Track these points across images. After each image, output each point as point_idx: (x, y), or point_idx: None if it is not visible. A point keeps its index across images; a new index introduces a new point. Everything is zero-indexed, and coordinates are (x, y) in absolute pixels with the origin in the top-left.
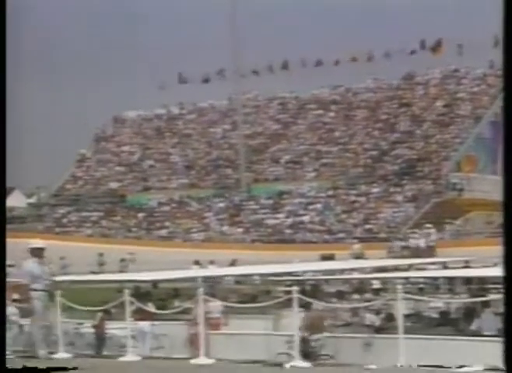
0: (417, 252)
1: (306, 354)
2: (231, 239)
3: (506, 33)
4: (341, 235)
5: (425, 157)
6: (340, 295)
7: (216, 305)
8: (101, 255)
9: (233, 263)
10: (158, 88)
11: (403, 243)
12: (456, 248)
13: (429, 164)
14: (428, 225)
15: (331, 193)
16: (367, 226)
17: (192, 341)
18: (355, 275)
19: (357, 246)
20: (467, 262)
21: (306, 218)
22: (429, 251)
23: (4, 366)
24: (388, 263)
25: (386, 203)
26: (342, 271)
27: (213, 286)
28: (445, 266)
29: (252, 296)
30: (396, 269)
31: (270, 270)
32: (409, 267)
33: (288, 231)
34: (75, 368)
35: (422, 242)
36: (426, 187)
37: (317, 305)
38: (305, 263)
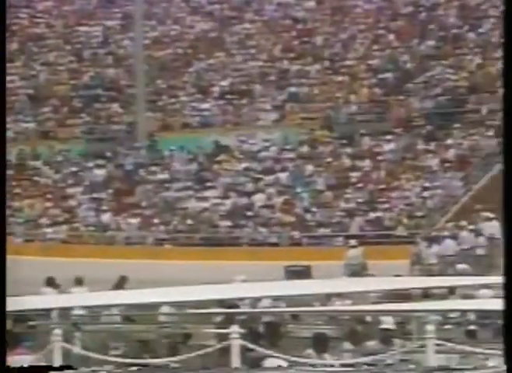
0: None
1: None
2: (118, 239)
3: (506, 33)
4: (324, 230)
5: (482, 85)
6: (321, 343)
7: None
8: None
9: (120, 284)
10: None
11: (439, 247)
12: None
13: (490, 98)
14: (487, 214)
15: (306, 150)
16: (374, 214)
17: None
18: (350, 306)
19: (354, 252)
20: None
21: (258, 199)
22: (487, 261)
23: (4, 365)
24: (412, 285)
25: (409, 172)
26: (326, 299)
27: (81, 325)
28: None
29: (156, 345)
30: (426, 295)
31: (190, 297)
32: (451, 292)
33: (225, 223)
34: (76, 368)
35: (474, 245)
36: (483, 142)
37: (276, 360)
38: (256, 284)
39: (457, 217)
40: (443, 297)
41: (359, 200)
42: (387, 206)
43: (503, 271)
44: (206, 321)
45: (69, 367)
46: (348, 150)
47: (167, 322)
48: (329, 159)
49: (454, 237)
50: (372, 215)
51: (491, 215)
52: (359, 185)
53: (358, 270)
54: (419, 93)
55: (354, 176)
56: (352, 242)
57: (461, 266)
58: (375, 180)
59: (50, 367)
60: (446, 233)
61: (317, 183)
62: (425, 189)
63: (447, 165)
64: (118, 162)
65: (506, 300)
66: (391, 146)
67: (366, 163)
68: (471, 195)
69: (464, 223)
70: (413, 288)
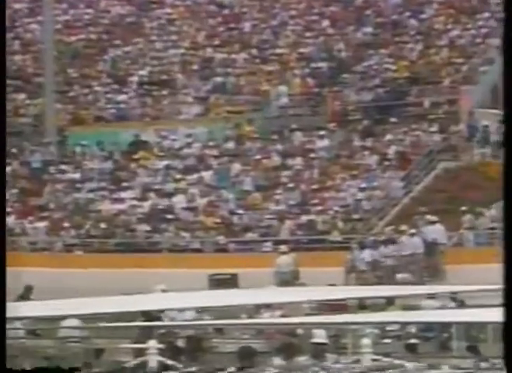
0: (406, 272)
1: None
2: (23, 244)
3: (505, 33)
4: (252, 234)
5: (425, 75)
6: (247, 358)
7: None
8: None
9: (25, 294)
10: None
11: (377, 253)
12: (488, 264)
13: (433, 90)
14: (430, 217)
15: (232, 147)
16: (306, 217)
17: None
18: (280, 319)
19: (285, 259)
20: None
21: (180, 200)
22: (430, 269)
23: (4, 366)
24: (347, 295)
25: (345, 171)
26: (254, 310)
27: None
28: (462, 301)
29: (64, 362)
30: (362, 306)
31: (104, 309)
32: (389, 303)
33: (143, 227)
34: (77, 369)
35: (415, 251)
36: (425, 138)
37: None
38: (177, 294)
39: (396, 221)
40: (381, 308)
41: (290, 202)
42: (320, 208)
43: (502, 278)
44: (121, 335)
45: (74, 369)
46: (279, 147)
47: (77, 337)
48: (257, 157)
49: (393, 242)
50: (304, 218)
51: (434, 218)
52: (290, 185)
53: (289, 279)
54: (356, 85)
55: (284, 175)
56: (283, 247)
57: (401, 275)
58: (307, 180)
59: (52, 369)
60: (384, 238)
61: (245, 182)
62: (362, 189)
63: (385, 163)
64: (24, 159)
65: (506, 307)
66: (325, 142)
67: (298, 161)
68: (412, 196)
69: (404, 227)
70: (348, 298)
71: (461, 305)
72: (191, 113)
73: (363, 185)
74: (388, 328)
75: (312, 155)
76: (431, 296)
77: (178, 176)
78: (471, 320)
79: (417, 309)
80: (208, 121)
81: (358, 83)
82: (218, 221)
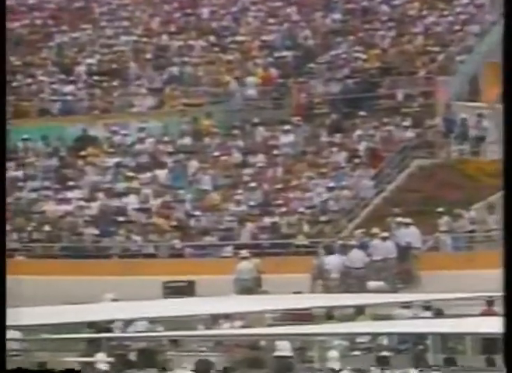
0: (377, 279)
1: None
2: None
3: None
4: (210, 238)
5: (397, 65)
6: (205, 372)
7: None
8: None
9: None
10: None
11: (346, 258)
12: (465, 270)
13: (406, 81)
14: (403, 219)
15: (188, 142)
16: (269, 219)
17: None
18: (240, 330)
19: (246, 265)
20: (491, 303)
21: (130, 201)
22: (403, 276)
23: (4, 366)
24: (313, 304)
25: (311, 169)
26: (212, 321)
27: None
28: (438, 310)
29: None
30: (330, 316)
31: (48, 319)
32: (359, 313)
33: (91, 230)
34: (78, 371)
35: (388, 256)
36: (398, 133)
37: None
38: (129, 303)
39: (367, 224)
40: (350, 318)
41: (252, 203)
42: (284, 209)
43: (502, 285)
44: (67, 348)
45: (74, 371)
46: (239, 142)
47: (17, 350)
48: (216, 153)
49: (363, 246)
50: (267, 220)
51: (408, 220)
52: (252, 184)
53: (250, 286)
54: (323, 75)
55: (246, 173)
56: (244, 252)
57: (372, 282)
58: (271, 179)
59: (52, 370)
60: (354, 242)
61: (202, 181)
62: (329, 189)
63: (355, 160)
64: None
65: (507, 299)
66: (290, 138)
67: (260, 158)
68: (384, 197)
69: (375, 230)
70: (315, 307)
71: (437, 314)
72: (144, 106)
73: (331, 184)
74: (358, 339)
75: (275, 152)
76: (404, 305)
77: (130, 175)
78: (448, 331)
79: (389, 319)
80: (162, 115)
81: (325, 73)
82: (173, 223)
